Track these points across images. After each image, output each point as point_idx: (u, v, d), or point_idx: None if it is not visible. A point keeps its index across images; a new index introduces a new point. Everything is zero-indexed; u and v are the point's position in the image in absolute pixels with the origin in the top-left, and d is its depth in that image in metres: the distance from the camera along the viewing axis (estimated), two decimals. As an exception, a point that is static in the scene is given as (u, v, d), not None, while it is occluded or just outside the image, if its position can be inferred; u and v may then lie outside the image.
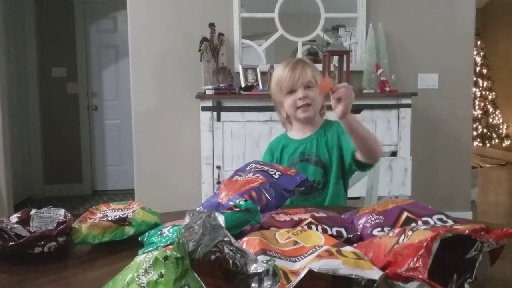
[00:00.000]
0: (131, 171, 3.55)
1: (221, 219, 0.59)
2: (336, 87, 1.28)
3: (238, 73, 3.18)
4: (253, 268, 0.56)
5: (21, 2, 4.63)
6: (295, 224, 0.90)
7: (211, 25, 3.19)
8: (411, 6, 3.43)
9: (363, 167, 1.48)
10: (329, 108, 1.42)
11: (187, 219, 0.59)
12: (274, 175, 1.21)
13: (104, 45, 5.01)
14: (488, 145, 6.61)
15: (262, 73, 3.15)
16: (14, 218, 0.97)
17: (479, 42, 6.46)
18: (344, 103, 1.27)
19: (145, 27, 3.32)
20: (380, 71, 3.17)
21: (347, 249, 0.70)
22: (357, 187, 1.82)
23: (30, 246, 0.89)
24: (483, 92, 6.60)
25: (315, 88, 1.51)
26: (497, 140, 6.52)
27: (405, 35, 3.43)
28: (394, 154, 3.01)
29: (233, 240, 0.58)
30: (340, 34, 3.16)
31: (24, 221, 0.97)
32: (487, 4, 6.85)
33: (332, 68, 3.16)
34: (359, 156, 1.44)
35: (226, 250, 0.57)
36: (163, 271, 0.57)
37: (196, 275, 0.56)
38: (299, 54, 3.39)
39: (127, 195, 4.69)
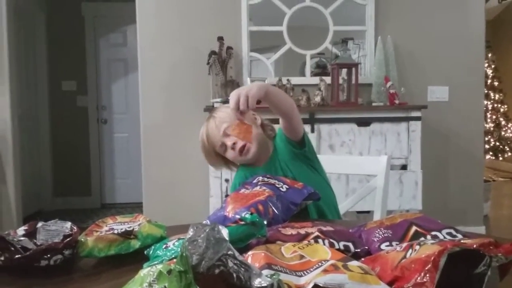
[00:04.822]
0: (139, 184, 3.56)
1: (224, 232, 0.59)
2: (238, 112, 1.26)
3: (246, 86, 3.19)
4: (257, 282, 0.56)
5: (32, 16, 4.72)
6: (301, 238, 0.90)
7: (220, 39, 3.22)
8: (420, 18, 3.43)
9: (292, 141, 1.45)
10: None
11: (190, 232, 0.59)
12: (281, 188, 1.21)
13: (114, 58, 5.07)
14: (500, 158, 6.54)
15: (271, 86, 3.16)
16: (21, 230, 0.98)
17: (490, 55, 6.43)
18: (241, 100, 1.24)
19: (154, 41, 3.35)
20: (389, 83, 3.16)
21: (353, 263, 0.69)
22: (367, 201, 1.80)
23: (36, 259, 0.89)
24: (495, 105, 6.55)
25: (240, 134, 1.42)
26: (510, 153, 6.45)
27: (415, 48, 3.43)
28: (404, 167, 2.99)
29: (237, 253, 0.58)
30: (348, 47, 3.17)
31: (31, 234, 0.97)
32: (497, 16, 6.84)
33: (340, 81, 3.17)
34: (286, 132, 1.43)
35: (230, 264, 0.57)
36: (166, 284, 0.57)
37: (199, 289, 0.56)
38: (308, 67, 3.40)
39: (135, 208, 4.70)
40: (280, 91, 1.44)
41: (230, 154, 1.47)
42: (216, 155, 1.51)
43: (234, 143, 1.43)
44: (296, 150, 1.46)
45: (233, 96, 1.26)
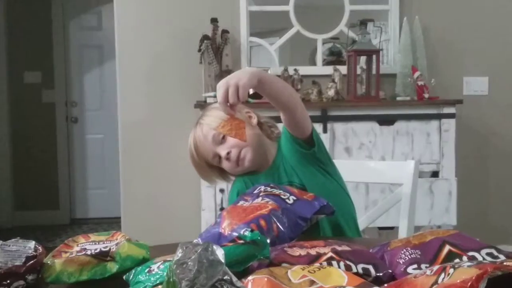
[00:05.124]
0: (117, 196, 3.56)
1: (220, 253, 0.59)
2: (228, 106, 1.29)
3: (245, 77, 3.19)
4: (259, 313, 0.56)
5: (-11, -5, 4.73)
6: (312, 259, 0.90)
7: (214, 21, 3.22)
8: (455, -5, 3.44)
9: (297, 139, 1.46)
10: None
11: (179, 253, 0.59)
12: (287, 200, 1.21)
13: (87, 45, 5.08)
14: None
15: (275, 77, 3.16)
16: (-25, 252, 0.98)
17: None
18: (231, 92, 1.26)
19: (134, 23, 3.36)
20: (417, 74, 3.16)
21: (374, 290, 0.69)
22: (390, 215, 1.80)
23: (-7, 286, 0.89)
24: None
25: (231, 131, 1.44)
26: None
27: (448, 31, 3.43)
28: (435, 174, 2.99)
29: (234, 279, 0.58)
30: (368, 30, 3.17)
31: (-13, 256, 0.97)
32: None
33: (358, 71, 3.17)
34: (290, 130, 1.45)
35: (227, 291, 0.57)
36: (150, 316, 0.58)
37: (190, 321, 0.56)
38: (319, 55, 3.41)
39: (112, 224, 4.70)
40: (277, 78, 1.45)
41: (225, 165, 1.48)
42: (209, 167, 1.52)
43: (228, 153, 1.44)
44: (303, 150, 1.47)
45: (220, 87, 1.27)
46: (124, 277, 0.95)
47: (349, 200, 1.57)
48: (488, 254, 0.87)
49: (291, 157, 1.50)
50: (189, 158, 1.54)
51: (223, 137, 1.45)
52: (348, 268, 0.87)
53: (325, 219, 1.38)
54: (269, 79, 1.35)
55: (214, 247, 0.60)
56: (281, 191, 1.25)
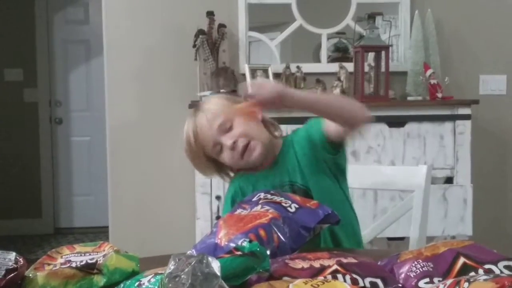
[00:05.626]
0: (104, 203, 3.56)
1: (216, 265, 0.59)
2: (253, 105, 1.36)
3: (244, 75, 3.19)
4: (258, 330, 0.56)
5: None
6: (315, 272, 0.90)
7: (210, 14, 3.22)
8: (470, -14, 3.45)
9: (339, 145, 1.52)
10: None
11: (171, 266, 0.59)
12: (289, 208, 1.21)
13: (72, 40, 5.08)
14: None
15: (276, 75, 3.16)
16: (-50, 264, 0.98)
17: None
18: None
19: (124, 16, 3.35)
20: (429, 72, 3.17)
21: (383, 306, 0.69)
22: (400, 224, 1.80)
23: (-30, 301, 0.89)
24: None
25: (236, 121, 1.47)
26: None
27: (463, 25, 3.42)
28: (449, 180, 2.99)
29: (231, 293, 0.58)
30: (377, 25, 3.17)
31: (-37, 268, 0.97)
32: None
33: (366, 69, 3.17)
34: (333, 132, 1.49)
35: (223, 307, 0.57)
36: (140, 334, 0.58)
37: None
38: (324, 51, 3.41)
39: (99, 234, 4.70)
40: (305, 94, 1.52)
41: (227, 156, 1.48)
42: (207, 159, 1.53)
43: (234, 142, 1.45)
44: (330, 155, 1.50)
45: (257, 85, 1.36)
46: (112, 291, 0.95)
47: (353, 213, 1.58)
48: (506, 267, 0.87)
49: (304, 155, 1.52)
50: (184, 148, 1.53)
51: (230, 127, 1.46)
52: (354, 282, 0.87)
53: (326, 230, 1.38)
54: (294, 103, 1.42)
55: (210, 259, 0.60)
56: (282, 198, 1.25)
